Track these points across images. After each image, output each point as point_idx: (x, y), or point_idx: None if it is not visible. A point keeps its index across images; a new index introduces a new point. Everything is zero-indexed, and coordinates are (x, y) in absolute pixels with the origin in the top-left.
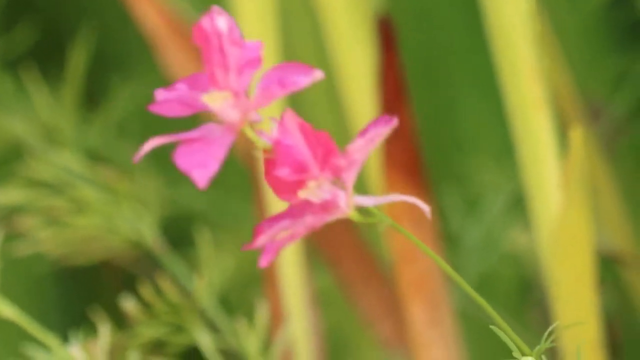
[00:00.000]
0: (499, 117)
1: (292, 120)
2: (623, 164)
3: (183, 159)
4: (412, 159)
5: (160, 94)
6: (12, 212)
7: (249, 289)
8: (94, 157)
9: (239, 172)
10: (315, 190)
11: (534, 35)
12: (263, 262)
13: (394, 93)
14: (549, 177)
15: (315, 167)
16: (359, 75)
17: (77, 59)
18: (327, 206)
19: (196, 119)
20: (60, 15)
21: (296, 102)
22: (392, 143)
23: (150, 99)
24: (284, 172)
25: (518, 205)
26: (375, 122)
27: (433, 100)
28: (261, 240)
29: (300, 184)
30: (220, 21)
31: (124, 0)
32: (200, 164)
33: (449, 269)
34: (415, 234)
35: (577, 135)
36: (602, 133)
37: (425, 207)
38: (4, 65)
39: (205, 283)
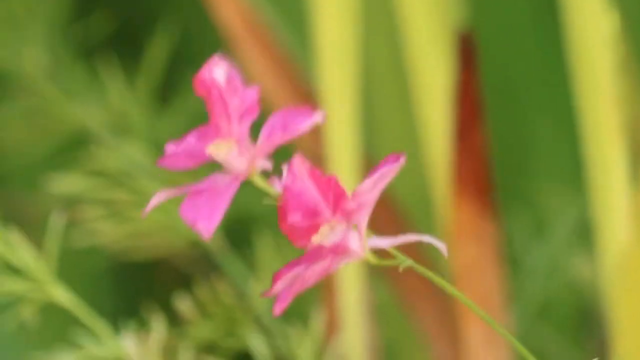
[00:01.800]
0: (572, 142)
1: (301, 166)
2: None
3: (188, 212)
4: (483, 179)
5: (169, 148)
6: (73, 201)
7: (306, 296)
8: (161, 151)
9: None
10: (328, 235)
11: (615, 62)
12: (277, 311)
13: (469, 111)
14: (618, 207)
15: (327, 211)
16: (435, 90)
17: (154, 52)
18: (339, 250)
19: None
20: (139, 7)
21: (370, 117)
22: (465, 161)
23: None
24: (295, 218)
25: (584, 233)
26: (384, 161)
27: (506, 121)
28: (278, 286)
29: (313, 229)
30: (218, 71)
31: None
32: (204, 216)
33: (497, 326)
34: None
35: None
36: None
37: (442, 246)
38: (80, 52)
39: (262, 287)
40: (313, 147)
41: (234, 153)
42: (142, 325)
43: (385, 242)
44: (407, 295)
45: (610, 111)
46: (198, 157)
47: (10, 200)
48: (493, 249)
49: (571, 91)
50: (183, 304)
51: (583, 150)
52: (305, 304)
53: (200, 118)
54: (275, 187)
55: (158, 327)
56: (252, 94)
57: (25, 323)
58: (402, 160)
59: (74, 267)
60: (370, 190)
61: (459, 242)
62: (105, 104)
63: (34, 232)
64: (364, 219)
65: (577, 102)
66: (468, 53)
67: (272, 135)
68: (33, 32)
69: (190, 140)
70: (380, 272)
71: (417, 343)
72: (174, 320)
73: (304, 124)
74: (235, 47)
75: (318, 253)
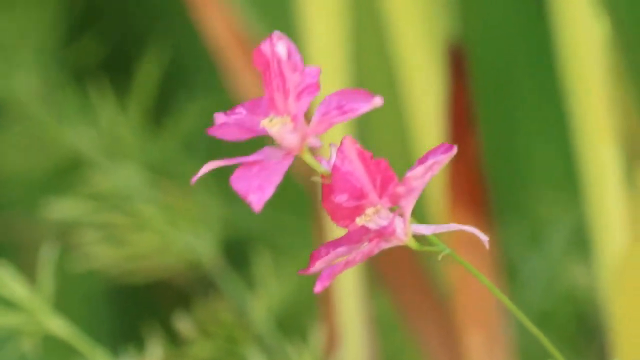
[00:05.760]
0: (566, 150)
1: (352, 147)
2: None
3: (240, 183)
4: (477, 188)
5: (219, 118)
6: (69, 226)
7: (306, 312)
8: (157, 173)
9: (300, 194)
10: (373, 218)
11: (606, 69)
12: (318, 288)
13: (461, 121)
14: (613, 214)
15: (374, 194)
16: (427, 101)
17: (145, 74)
18: (384, 233)
19: (262, 138)
20: (130, 29)
21: (361, 126)
22: (458, 171)
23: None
24: (342, 199)
25: (581, 241)
26: (435, 150)
27: (500, 130)
28: (317, 266)
29: (358, 210)
30: (280, 46)
31: (195, 17)
32: (257, 188)
33: (508, 302)
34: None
35: None
36: None
37: (484, 237)
38: (71, 76)
39: (262, 305)
40: (304, 163)
41: (288, 129)
42: (142, 348)
43: (427, 229)
44: (407, 307)
45: (603, 118)
46: (250, 130)
47: (7, 226)
48: (489, 258)
49: (564, 99)
50: (183, 325)
51: (577, 158)
52: (305, 320)
53: (193, 138)
54: (322, 166)
55: (156, 349)
56: (313, 73)
57: (26, 355)
58: (454, 151)
59: (72, 291)
60: (421, 177)
61: (454, 252)
62: (98, 128)
63: (31, 257)
64: (410, 204)
65: (570, 109)
66: (459, 63)
67: (328, 115)
68: (25, 58)
69: (241, 111)
70: (379, 285)
71: (417, 356)
72: (175, 341)
73: (363, 107)
74: (227, 65)
75: (359, 234)
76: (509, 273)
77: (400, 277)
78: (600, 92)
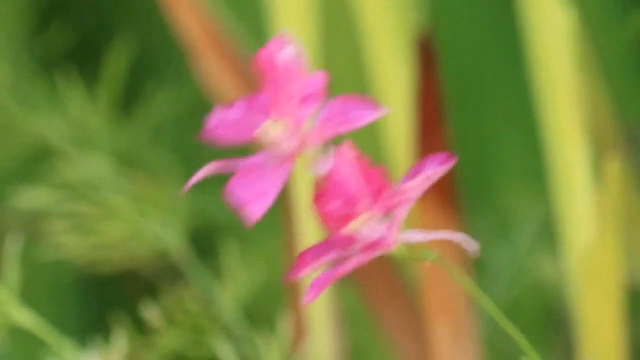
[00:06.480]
0: (534, 142)
1: (348, 153)
2: None
3: (240, 190)
4: (445, 181)
5: (213, 118)
6: (37, 215)
7: (273, 303)
8: (125, 162)
9: None
10: (363, 226)
11: (574, 60)
12: (308, 298)
13: (430, 114)
14: (581, 206)
15: (366, 202)
16: (396, 94)
17: (114, 63)
18: (374, 243)
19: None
20: (99, 19)
21: None
22: None
23: (185, 107)
24: (334, 205)
25: (548, 233)
26: (432, 160)
27: (468, 122)
28: (306, 271)
29: (349, 217)
30: (285, 50)
31: (163, 7)
32: (257, 196)
33: (488, 300)
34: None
35: (614, 165)
36: (638, 161)
37: (473, 246)
38: (39, 66)
39: (229, 295)
40: None
41: (284, 135)
42: (110, 338)
43: (417, 236)
44: (374, 299)
45: (571, 109)
46: (245, 133)
47: None
48: (457, 250)
49: (532, 91)
50: (150, 314)
51: (545, 150)
52: (272, 310)
53: (162, 128)
54: (318, 170)
55: (121, 339)
56: (317, 79)
57: None
58: (452, 162)
59: (40, 281)
60: (416, 187)
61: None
62: (67, 117)
63: None
64: (402, 213)
65: (538, 101)
66: (428, 56)
67: (330, 123)
68: None
69: (236, 113)
70: (346, 277)
71: (384, 348)
72: (143, 330)
73: (365, 117)
74: (196, 56)
75: (348, 242)
76: (476, 265)
77: (368, 269)
78: (568, 84)
